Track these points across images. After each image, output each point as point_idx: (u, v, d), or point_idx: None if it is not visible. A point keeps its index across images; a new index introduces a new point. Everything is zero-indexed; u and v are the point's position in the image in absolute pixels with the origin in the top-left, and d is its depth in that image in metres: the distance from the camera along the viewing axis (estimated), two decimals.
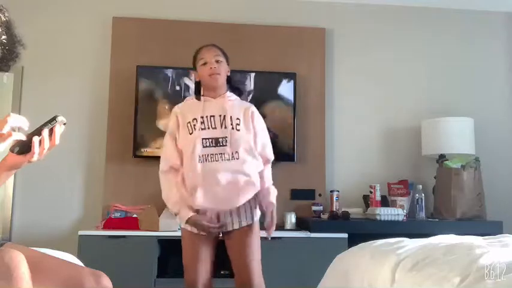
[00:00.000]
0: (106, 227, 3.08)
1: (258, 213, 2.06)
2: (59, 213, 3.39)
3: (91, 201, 3.42)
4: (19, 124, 1.16)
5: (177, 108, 2.10)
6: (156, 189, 3.41)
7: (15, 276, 1.14)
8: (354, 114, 3.74)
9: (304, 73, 3.61)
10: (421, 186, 3.40)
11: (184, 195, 1.98)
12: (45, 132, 1.19)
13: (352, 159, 3.68)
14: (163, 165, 2.04)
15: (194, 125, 1.99)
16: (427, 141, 3.53)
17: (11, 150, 1.18)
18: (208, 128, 1.99)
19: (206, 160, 1.95)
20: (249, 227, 2.01)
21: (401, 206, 3.31)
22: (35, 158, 1.19)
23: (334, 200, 3.38)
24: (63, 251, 1.83)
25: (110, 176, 3.40)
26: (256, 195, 2.03)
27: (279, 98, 3.51)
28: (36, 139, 1.18)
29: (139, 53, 3.50)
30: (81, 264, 1.71)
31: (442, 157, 3.39)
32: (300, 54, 3.65)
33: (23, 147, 1.18)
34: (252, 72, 3.48)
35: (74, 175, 3.45)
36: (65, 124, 1.23)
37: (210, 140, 1.96)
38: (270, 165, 2.11)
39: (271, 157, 2.11)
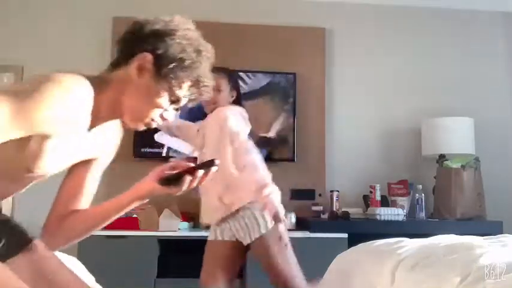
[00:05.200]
0: (106, 227, 3.06)
1: (266, 224, 2.05)
2: None
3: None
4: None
5: None
6: None
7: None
8: (354, 114, 3.73)
9: (304, 73, 3.61)
10: (421, 186, 3.40)
11: None
12: (200, 173, 1.20)
13: (352, 159, 3.68)
14: None
15: None
16: (427, 141, 3.52)
17: (161, 183, 1.23)
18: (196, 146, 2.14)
19: None
20: (260, 242, 2.03)
21: (401, 206, 3.31)
22: (178, 193, 1.22)
23: (334, 200, 3.38)
24: (63, 251, 1.82)
25: (110, 176, 3.38)
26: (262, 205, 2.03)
27: (279, 97, 3.51)
28: (188, 178, 1.20)
29: None
30: (83, 267, 1.70)
31: (442, 157, 3.39)
32: (300, 54, 3.65)
33: (173, 181, 1.22)
34: (252, 72, 3.48)
35: None
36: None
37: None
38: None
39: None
